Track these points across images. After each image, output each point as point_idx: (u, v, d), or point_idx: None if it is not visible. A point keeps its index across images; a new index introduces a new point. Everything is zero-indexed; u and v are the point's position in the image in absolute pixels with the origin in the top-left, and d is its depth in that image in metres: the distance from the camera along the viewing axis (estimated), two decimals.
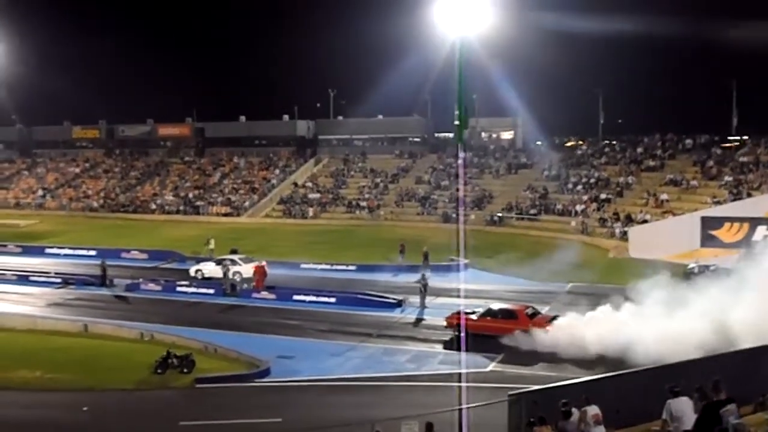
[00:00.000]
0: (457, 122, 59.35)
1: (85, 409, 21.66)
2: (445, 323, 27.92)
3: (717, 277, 28.87)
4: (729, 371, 13.35)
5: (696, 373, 13.46)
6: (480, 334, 25.82)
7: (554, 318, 26.63)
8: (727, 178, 48.82)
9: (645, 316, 24.47)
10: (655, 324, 23.63)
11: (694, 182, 50.63)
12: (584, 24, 51.86)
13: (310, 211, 62.15)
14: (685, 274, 34.28)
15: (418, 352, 26.40)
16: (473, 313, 27.35)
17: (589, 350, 23.59)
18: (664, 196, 49.53)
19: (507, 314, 26.86)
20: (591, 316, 25.76)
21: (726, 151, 54.70)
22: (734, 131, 59.77)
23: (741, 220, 40.20)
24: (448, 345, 26.83)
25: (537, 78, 62.42)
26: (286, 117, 77.81)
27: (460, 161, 61.60)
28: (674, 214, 45.61)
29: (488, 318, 26.86)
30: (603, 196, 53.47)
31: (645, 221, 46.31)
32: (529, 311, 27.04)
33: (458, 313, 27.76)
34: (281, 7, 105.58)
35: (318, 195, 65.04)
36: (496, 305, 27.96)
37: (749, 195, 44.71)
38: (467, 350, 25.17)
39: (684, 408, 11.30)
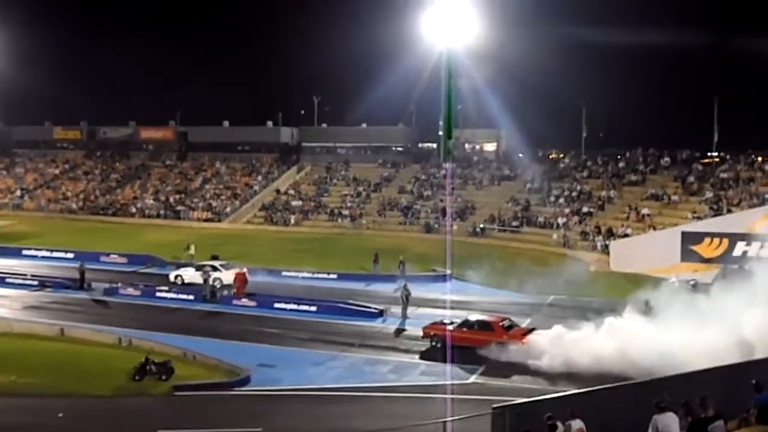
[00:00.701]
0: (442, 133, 59.92)
1: (60, 415, 21.26)
2: (422, 333, 27.82)
3: (698, 292, 29.20)
4: (712, 387, 13.34)
5: (681, 388, 13.43)
6: (457, 345, 25.79)
7: (531, 330, 26.61)
8: (708, 194, 49.23)
9: (620, 331, 24.56)
10: (631, 339, 23.72)
11: (675, 197, 51.05)
12: (568, 37, 52.31)
13: (292, 219, 61.89)
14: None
15: (399, 362, 26.23)
16: (451, 323, 27.31)
17: (564, 364, 23.57)
18: (645, 211, 49.84)
19: (483, 326, 26.78)
20: (565, 330, 25.76)
21: (707, 167, 55.22)
22: (715, 147, 60.37)
23: (721, 235, 40.48)
24: (424, 355, 26.73)
25: (521, 90, 62.68)
26: (269, 123, 77.63)
27: (444, 171, 61.69)
28: (655, 229, 45.92)
29: (465, 329, 26.78)
30: (585, 209, 53.74)
31: (626, 235, 46.56)
32: (506, 323, 26.93)
33: (435, 323, 27.81)
34: (267, 13, 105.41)
35: (300, 202, 64.80)
36: (473, 316, 27.92)
37: (729, 211, 45.14)
38: (445, 361, 25.21)
39: (670, 423, 11.24)
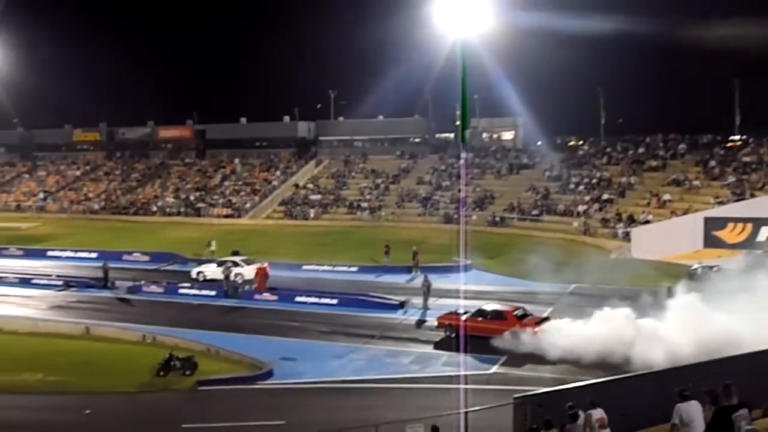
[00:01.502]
0: (459, 123, 59.65)
1: (87, 412, 21.57)
2: (436, 323, 27.86)
3: (721, 279, 28.80)
4: (736, 375, 13.22)
5: (704, 376, 13.33)
6: (471, 335, 25.77)
7: (544, 320, 26.50)
8: (730, 178, 48.63)
9: (633, 321, 24.25)
10: (643, 328, 23.41)
11: (696, 182, 50.49)
12: (585, 23, 51.79)
13: (312, 213, 62.06)
14: (688, 275, 34.19)
15: (421, 353, 26.29)
16: (466, 313, 27.31)
17: (574, 353, 23.37)
18: (666, 197, 49.40)
19: (496, 315, 26.77)
20: (578, 319, 25.59)
21: (729, 151, 54.50)
22: (737, 131, 59.56)
23: (744, 220, 40.08)
24: (439, 345, 26.81)
25: (538, 78, 62.31)
26: (286, 118, 77.77)
27: (461, 162, 61.47)
28: (677, 215, 45.47)
29: (479, 319, 26.78)
30: (605, 196, 53.34)
31: (647, 222, 46.18)
32: (519, 312, 26.86)
33: (450, 313, 27.89)
34: (281, 8, 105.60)
35: (319, 196, 64.94)
36: (487, 306, 27.86)
37: (752, 195, 44.53)
38: (459, 351, 25.26)
39: (694, 412, 11.15)
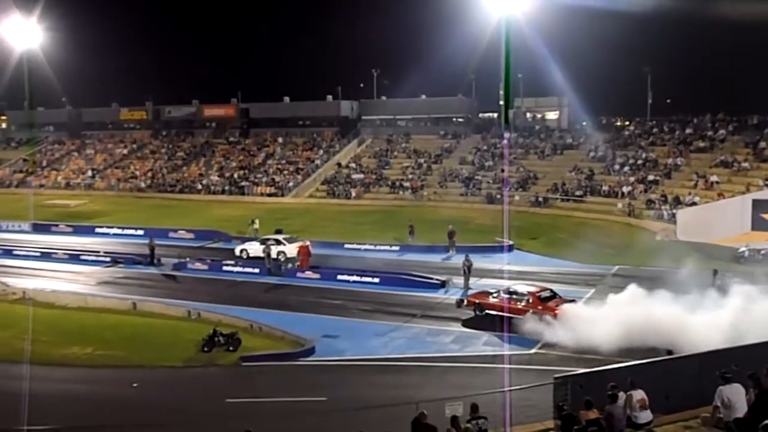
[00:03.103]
0: (502, 102, 59.14)
1: (134, 385, 22.18)
2: (466, 302, 27.98)
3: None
4: None
5: (747, 359, 13.15)
6: (498, 315, 25.94)
7: (569, 302, 26.22)
8: None
9: (653, 306, 23.79)
10: (669, 314, 22.97)
11: (745, 164, 49.31)
12: (633, 0, 50.71)
13: (354, 192, 62.26)
14: (735, 258, 33.63)
15: (461, 333, 26.36)
16: (497, 292, 27.30)
17: (593, 338, 22.96)
18: (713, 178, 48.38)
19: (520, 296, 26.68)
20: (601, 303, 25.34)
21: None
22: None
23: None
24: (466, 323, 26.99)
25: (583, 57, 61.28)
26: (329, 97, 77.94)
27: (505, 141, 60.96)
28: (724, 197, 44.51)
29: (504, 298, 26.76)
30: (651, 177, 52.47)
31: (694, 203, 45.34)
32: (544, 294, 26.62)
33: (479, 292, 28.16)
34: None
35: (361, 175, 65.07)
36: (516, 286, 27.76)
37: None
38: (483, 329, 25.53)
39: (736, 394, 11.07)
